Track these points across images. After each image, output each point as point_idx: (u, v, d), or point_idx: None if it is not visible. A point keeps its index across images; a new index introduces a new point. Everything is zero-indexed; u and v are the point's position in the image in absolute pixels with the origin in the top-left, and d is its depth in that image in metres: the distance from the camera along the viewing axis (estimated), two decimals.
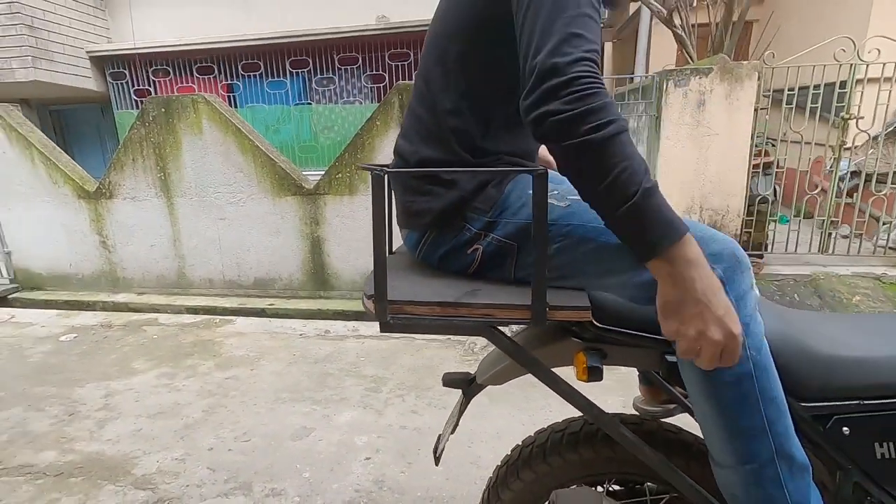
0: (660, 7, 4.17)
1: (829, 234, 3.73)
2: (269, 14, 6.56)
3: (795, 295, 3.49)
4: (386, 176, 0.76)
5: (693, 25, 4.29)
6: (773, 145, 4.09)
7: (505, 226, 0.85)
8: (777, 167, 3.79)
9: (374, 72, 6.56)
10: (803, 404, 0.85)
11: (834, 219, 3.72)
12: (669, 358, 0.91)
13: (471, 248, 0.87)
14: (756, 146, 3.72)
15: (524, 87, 0.69)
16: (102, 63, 7.07)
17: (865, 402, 0.85)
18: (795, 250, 3.73)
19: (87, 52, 6.83)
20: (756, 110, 3.55)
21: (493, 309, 0.76)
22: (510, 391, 2.59)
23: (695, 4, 4.53)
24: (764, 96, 4.05)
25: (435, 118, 0.88)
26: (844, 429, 0.84)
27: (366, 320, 3.77)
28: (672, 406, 1.25)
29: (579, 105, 0.64)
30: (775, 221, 3.80)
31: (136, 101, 7.14)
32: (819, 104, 3.50)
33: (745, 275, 0.77)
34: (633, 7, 6.87)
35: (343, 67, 6.62)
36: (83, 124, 7.92)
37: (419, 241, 0.93)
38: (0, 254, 4.67)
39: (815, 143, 3.65)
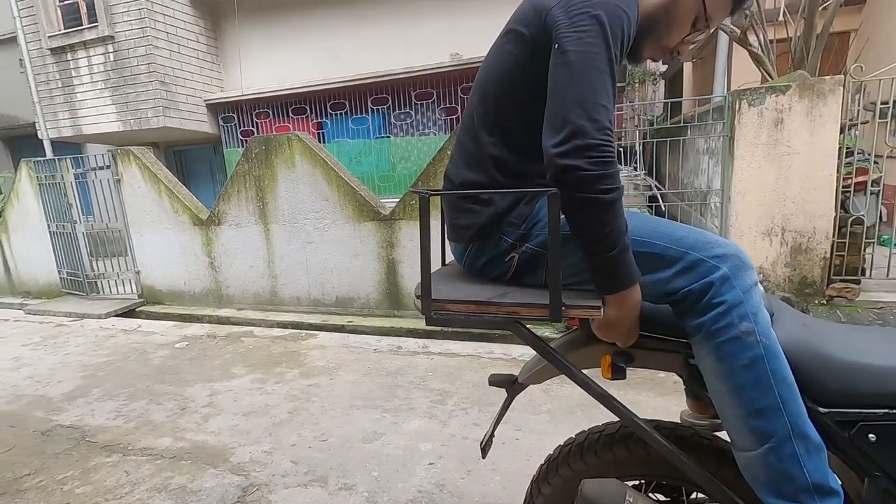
0: (732, 27, 4.08)
1: None
2: (354, 59, 7.26)
3: None
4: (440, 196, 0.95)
5: (771, 42, 4.13)
6: (876, 162, 3.78)
7: (536, 237, 0.99)
8: (875, 185, 3.49)
9: (448, 105, 6.95)
10: (825, 410, 0.89)
11: None
12: (691, 361, 0.99)
13: (507, 256, 1.02)
14: (854, 164, 3.47)
15: (553, 130, 0.85)
16: (216, 109, 8.17)
17: (894, 410, 0.86)
18: None
19: (205, 100, 7.94)
20: (844, 127, 3.34)
21: (517, 307, 0.90)
22: (573, 411, 2.62)
23: (779, 19, 4.37)
24: (866, 110, 3.78)
25: (477, 147, 1.05)
26: (871, 436, 0.86)
27: (435, 338, 3.96)
28: (719, 420, 1.28)
29: (600, 168, 0.82)
30: (873, 244, 3.47)
31: (242, 141, 8.12)
32: None
33: (748, 273, 0.88)
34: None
35: (419, 102, 7.10)
36: (199, 161, 9.13)
37: (464, 252, 1.10)
38: (131, 273, 5.51)
39: None
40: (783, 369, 0.85)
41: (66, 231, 5.71)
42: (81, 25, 7.46)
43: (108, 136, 7.95)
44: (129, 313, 5.31)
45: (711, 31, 1.02)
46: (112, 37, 7.24)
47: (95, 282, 5.79)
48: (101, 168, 5.36)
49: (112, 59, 7.37)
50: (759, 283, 0.90)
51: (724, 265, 0.87)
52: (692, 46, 1.10)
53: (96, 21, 7.29)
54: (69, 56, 7.64)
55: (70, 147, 8.38)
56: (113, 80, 7.44)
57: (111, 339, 4.53)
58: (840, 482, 0.87)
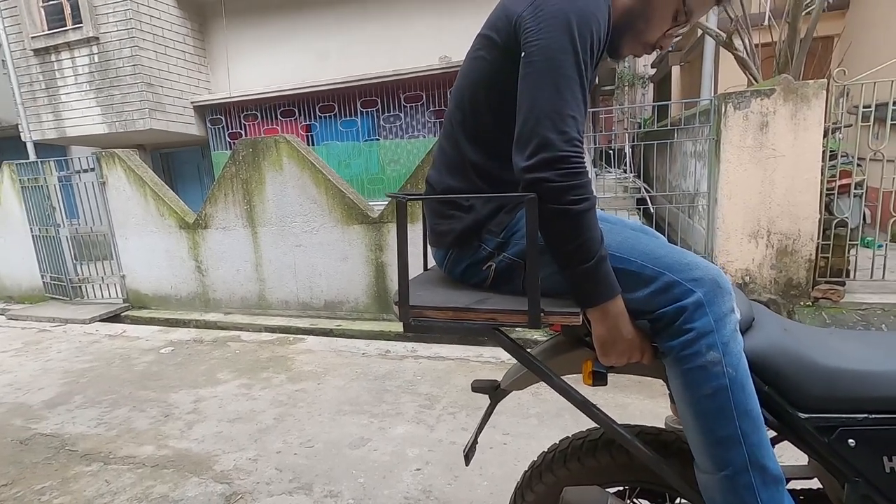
0: (718, 31, 4.11)
1: None
2: (342, 61, 7.23)
3: (884, 325, 3.20)
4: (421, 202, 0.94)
5: (756, 46, 4.17)
6: (859, 165, 3.83)
7: (514, 246, 0.98)
8: (859, 188, 3.52)
9: (437, 107, 6.94)
10: (805, 415, 0.88)
11: None
12: None
13: (486, 264, 1.01)
14: (837, 166, 3.50)
15: (521, 143, 0.84)
16: (203, 111, 8.09)
17: (872, 415, 0.86)
18: (883, 277, 3.43)
19: (192, 102, 7.86)
20: (828, 130, 3.38)
21: (496, 314, 0.89)
22: (561, 414, 2.61)
23: (764, 24, 4.41)
24: (850, 114, 3.83)
25: (458, 153, 1.04)
26: (850, 441, 0.86)
27: (424, 342, 3.94)
28: None
29: (569, 179, 0.81)
30: (857, 246, 3.51)
31: (229, 143, 8.05)
32: None
33: (725, 298, 0.86)
34: (698, 30, 6.74)
35: (408, 105, 7.08)
36: (186, 164, 9.03)
37: (444, 258, 1.08)
38: (116, 277, 5.42)
39: None
40: (747, 401, 0.84)
41: (50, 235, 5.61)
42: (65, 26, 7.35)
43: (92, 139, 7.84)
44: (113, 318, 5.23)
45: (692, 24, 1.00)
46: (97, 38, 7.15)
47: (80, 286, 5.70)
48: (86, 171, 5.28)
49: (97, 60, 7.27)
50: (735, 310, 0.88)
51: (699, 290, 0.84)
52: (676, 40, 1.08)
53: (81, 22, 7.19)
54: (53, 57, 7.52)
55: (54, 149, 8.26)
56: (98, 82, 7.34)
57: (95, 344, 4.45)
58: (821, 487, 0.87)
